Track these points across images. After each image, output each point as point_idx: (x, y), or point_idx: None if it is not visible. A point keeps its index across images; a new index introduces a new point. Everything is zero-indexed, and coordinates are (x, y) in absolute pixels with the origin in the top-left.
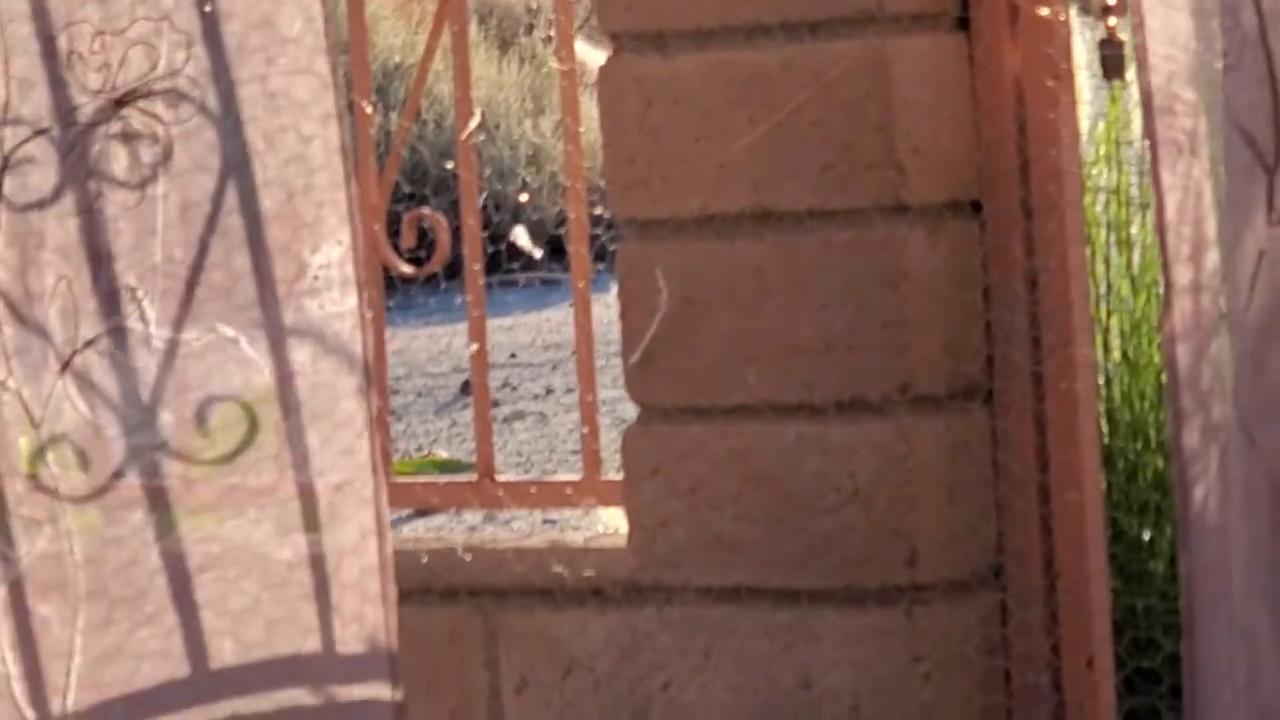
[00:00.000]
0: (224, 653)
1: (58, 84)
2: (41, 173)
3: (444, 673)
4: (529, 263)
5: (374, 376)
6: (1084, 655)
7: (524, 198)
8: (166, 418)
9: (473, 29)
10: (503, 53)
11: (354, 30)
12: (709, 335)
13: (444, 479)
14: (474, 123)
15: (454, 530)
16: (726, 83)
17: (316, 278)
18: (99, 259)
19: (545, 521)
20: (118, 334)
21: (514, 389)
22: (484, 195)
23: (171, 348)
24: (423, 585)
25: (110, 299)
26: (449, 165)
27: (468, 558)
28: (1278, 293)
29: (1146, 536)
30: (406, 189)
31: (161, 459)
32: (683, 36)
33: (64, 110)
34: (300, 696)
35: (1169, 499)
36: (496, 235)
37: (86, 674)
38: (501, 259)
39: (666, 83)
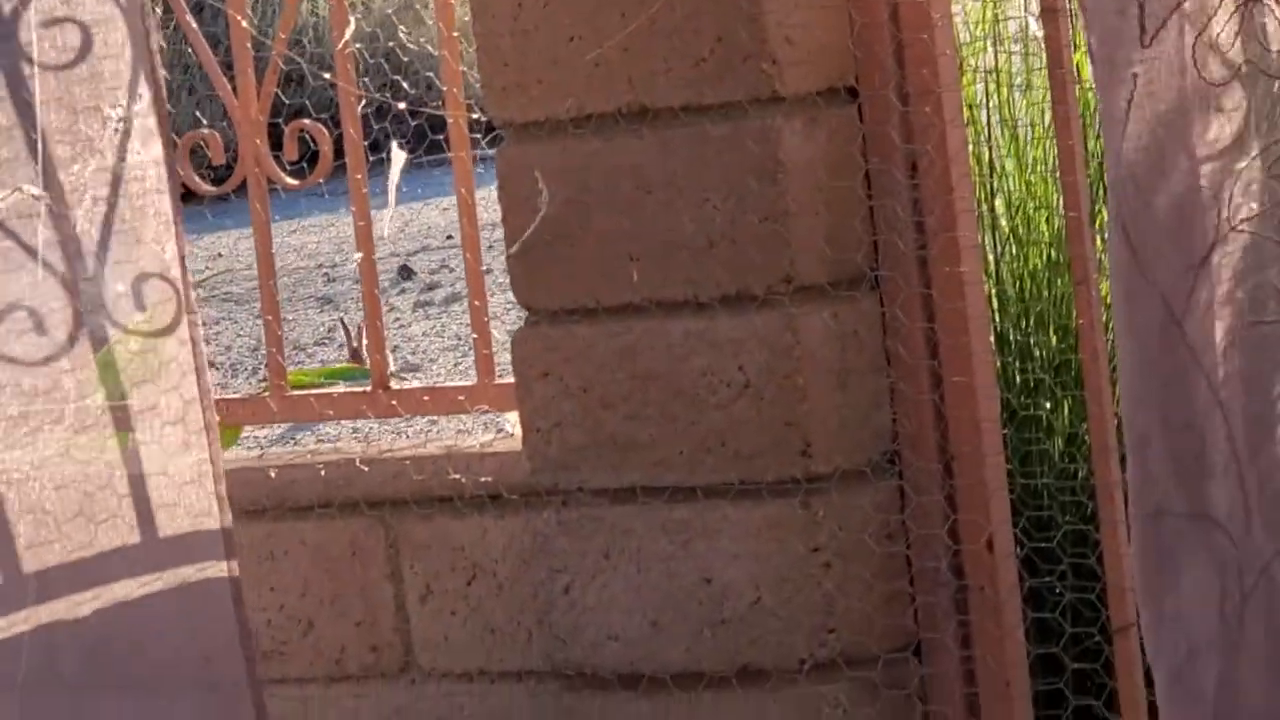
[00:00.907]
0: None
1: None
2: None
3: (348, 586)
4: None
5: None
6: (983, 537)
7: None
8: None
9: None
10: None
11: None
12: (591, 235)
13: (339, 390)
14: (349, 30)
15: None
16: None
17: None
18: None
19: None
20: None
21: (452, 270)
22: (363, 104)
23: None
24: (322, 499)
25: None
26: (327, 76)
27: (365, 469)
28: (1152, 120)
29: (1041, 415)
30: (287, 100)
31: None
32: None
33: None
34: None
35: (1060, 377)
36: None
37: None
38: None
39: None
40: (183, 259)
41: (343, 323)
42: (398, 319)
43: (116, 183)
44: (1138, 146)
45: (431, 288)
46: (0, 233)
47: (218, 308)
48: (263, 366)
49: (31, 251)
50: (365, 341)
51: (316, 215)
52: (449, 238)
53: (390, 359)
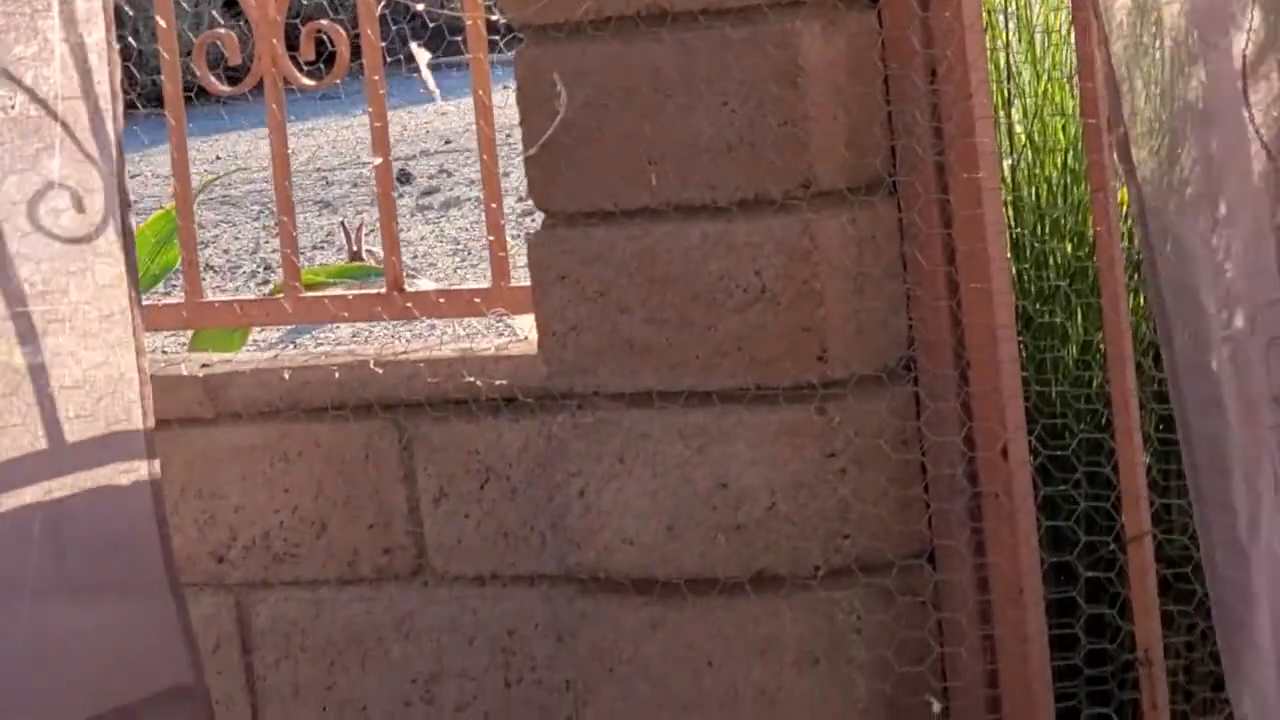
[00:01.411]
0: None
1: None
2: None
3: (361, 488)
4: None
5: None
6: (998, 444)
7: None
8: None
9: None
10: None
11: None
12: (610, 138)
13: (353, 293)
14: None
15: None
16: None
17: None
18: None
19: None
20: None
21: (450, 175)
22: (381, 5)
23: None
24: (336, 401)
25: None
26: None
27: (380, 371)
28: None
29: (1057, 323)
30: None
31: None
32: None
33: None
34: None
35: (1076, 284)
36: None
37: None
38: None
39: None
40: (121, 166)
41: (343, 225)
42: (398, 222)
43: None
44: None
45: (429, 192)
46: None
47: (215, 210)
48: (261, 269)
49: None
50: (365, 245)
51: (312, 120)
52: (447, 142)
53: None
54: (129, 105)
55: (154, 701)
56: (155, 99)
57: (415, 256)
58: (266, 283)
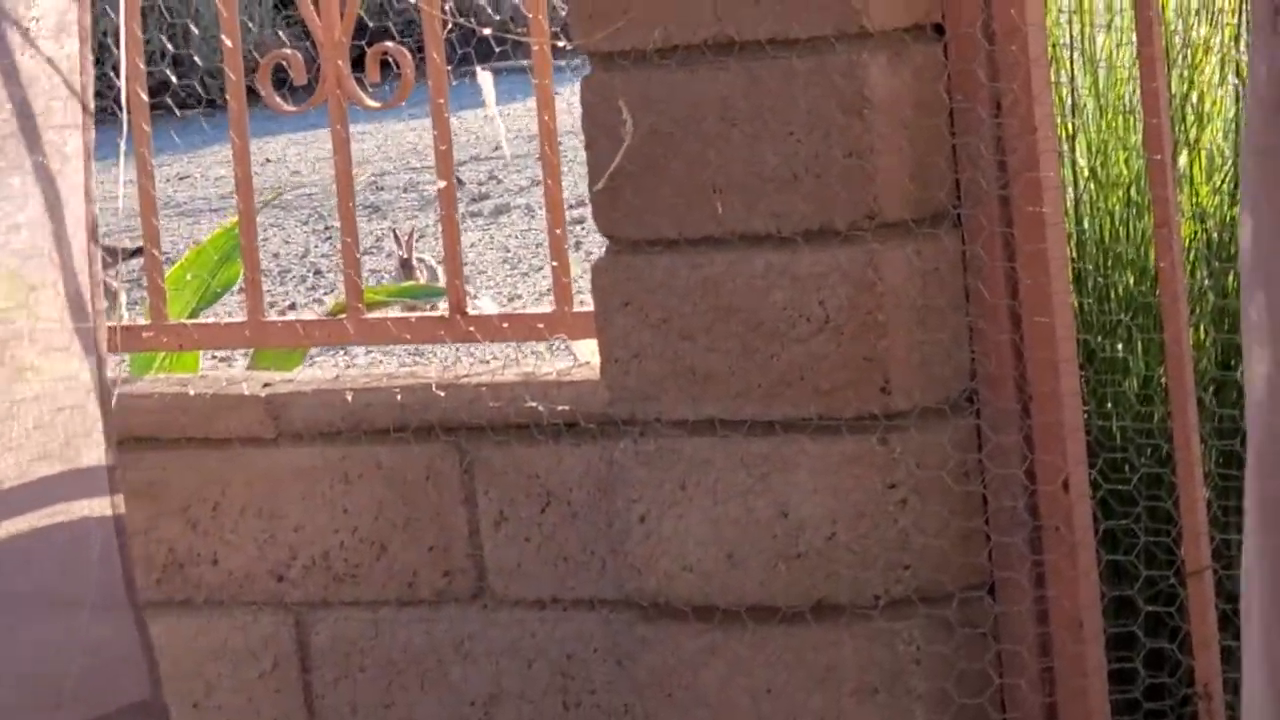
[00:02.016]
0: None
1: None
2: None
3: (422, 511)
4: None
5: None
6: (1059, 478)
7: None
8: None
9: None
10: None
11: None
12: (676, 166)
13: (415, 315)
14: None
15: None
16: None
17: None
18: None
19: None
20: None
21: (499, 181)
22: (447, 28)
23: None
24: (398, 423)
25: None
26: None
27: (442, 394)
28: None
29: (1119, 357)
30: (370, 23)
31: None
32: None
33: None
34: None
35: (1139, 318)
36: (462, 10)
37: None
38: (490, 46)
39: None
40: (88, 184)
41: (394, 233)
42: None
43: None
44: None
45: (480, 198)
46: None
47: (265, 214)
48: (311, 274)
49: None
50: (415, 253)
51: (363, 123)
52: (496, 148)
53: (439, 269)
54: (164, 107)
55: (114, 717)
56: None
57: (466, 264)
58: (316, 288)
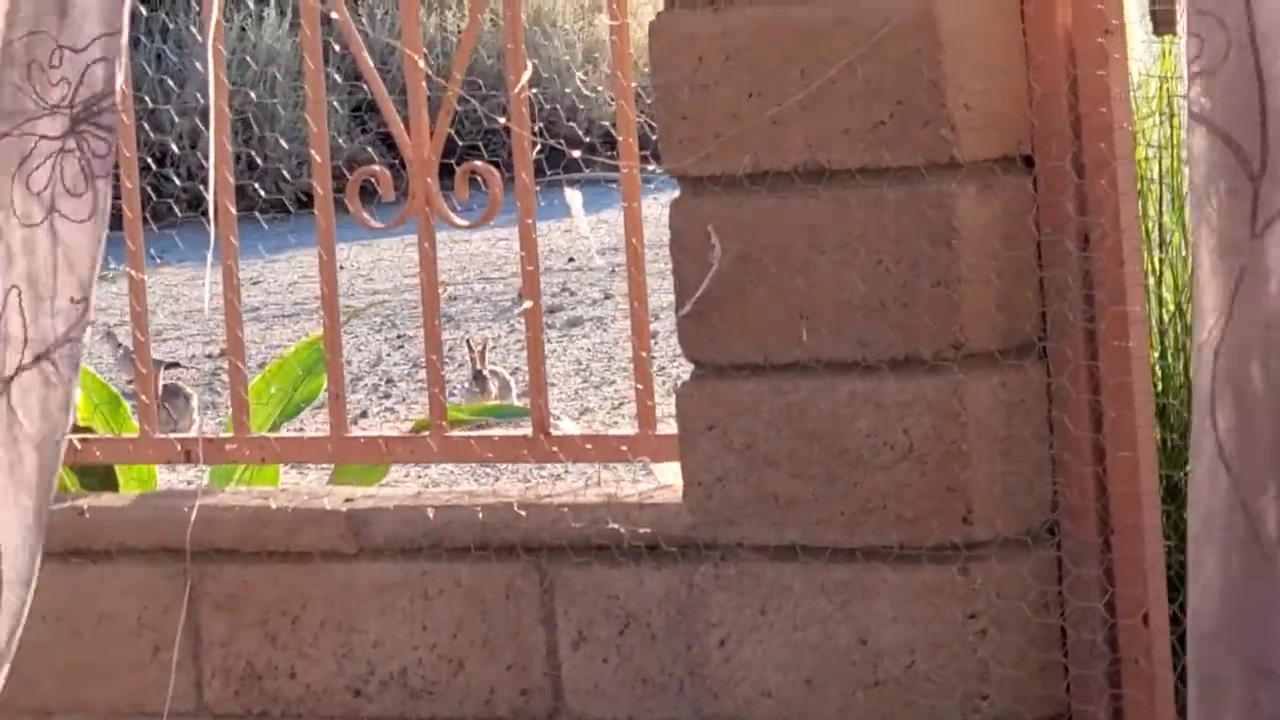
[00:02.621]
0: None
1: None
2: None
3: (501, 629)
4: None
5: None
6: (1139, 612)
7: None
8: None
9: None
10: None
11: None
12: (763, 292)
13: (498, 433)
14: (526, 76)
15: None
16: (778, 38)
17: None
18: None
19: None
20: None
21: (573, 294)
22: (536, 149)
23: None
24: (479, 541)
25: None
26: (501, 120)
27: (523, 514)
28: (1261, 313)
29: None
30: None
31: None
32: None
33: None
34: None
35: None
36: (550, 130)
37: None
38: (561, 157)
39: (718, 38)
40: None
41: (468, 343)
42: (519, 340)
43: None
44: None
45: (553, 310)
46: None
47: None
48: (383, 382)
49: None
50: (488, 365)
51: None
52: (570, 260)
53: (511, 381)
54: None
55: None
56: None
57: None
58: (388, 396)
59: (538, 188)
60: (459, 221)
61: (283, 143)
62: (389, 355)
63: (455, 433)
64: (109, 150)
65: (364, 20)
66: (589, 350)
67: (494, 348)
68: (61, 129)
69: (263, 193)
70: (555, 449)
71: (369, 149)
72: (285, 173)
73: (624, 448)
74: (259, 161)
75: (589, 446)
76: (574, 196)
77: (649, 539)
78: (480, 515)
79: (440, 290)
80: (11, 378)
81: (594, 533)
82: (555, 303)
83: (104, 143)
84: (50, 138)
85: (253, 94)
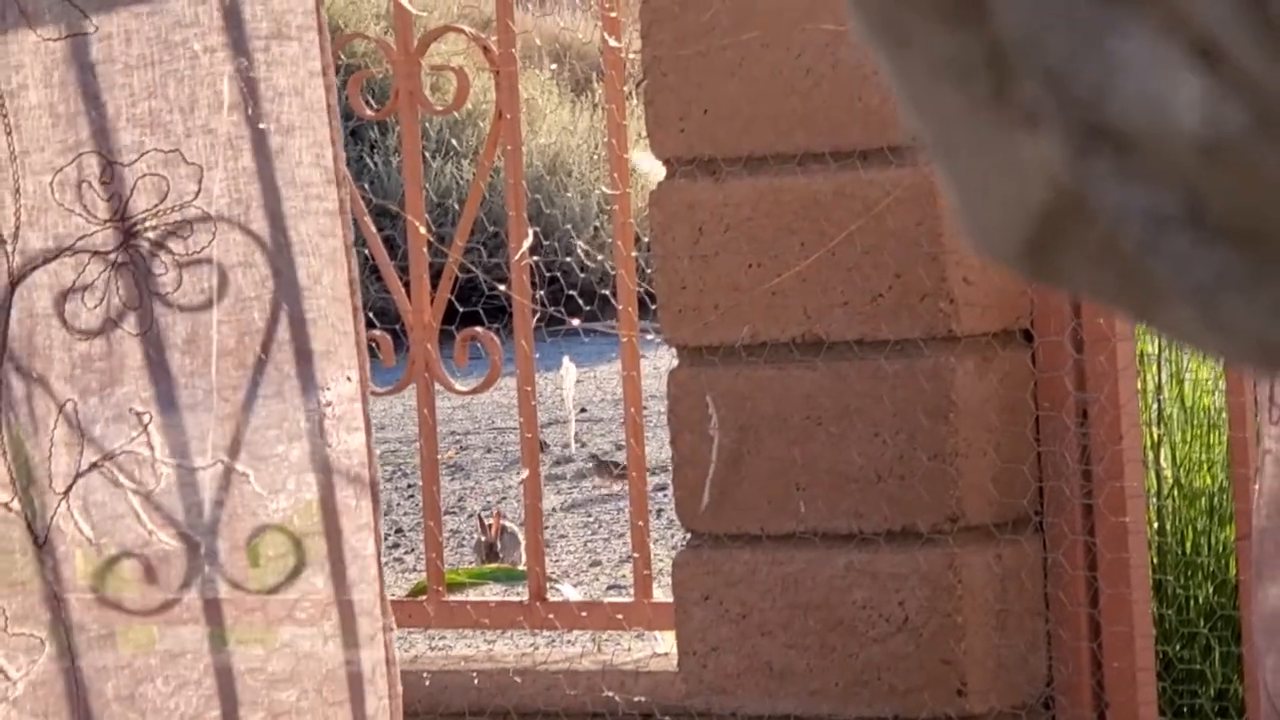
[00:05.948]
0: None
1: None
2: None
3: None
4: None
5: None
6: None
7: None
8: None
9: (545, 72)
10: (576, 95)
11: (407, 145)
12: (759, 463)
13: (495, 600)
14: (526, 243)
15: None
16: (778, 210)
17: (329, 405)
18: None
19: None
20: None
21: (582, 445)
22: (536, 316)
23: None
24: (475, 706)
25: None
26: (501, 287)
27: (519, 680)
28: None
29: (1196, 668)
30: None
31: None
32: (735, 162)
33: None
34: None
35: (1218, 631)
36: (567, 281)
37: None
38: (576, 306)
39: (718, 208)
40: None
41: (480, 519)
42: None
43: None
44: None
45: (562, 461)
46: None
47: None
48: (391, 531)
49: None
50: (503, 520)
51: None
52: (582, 411)
53: (519, 536)
54: None
55: None
56: None
57: (546, 528)
58: (397, 545)
59: (550, 340)
60: (459, 387)
61: None
62: (399, 505)
63: (452, 597)
64: None
65: (375, 165)
66: (597, 503)
67: (503, 499)
68: None
69: None
70: (551, 616)
71: (369, 313)
72: None
73: (620, 616)
74: None
75: (584, 614)
76: (569, 370)
77: (644, 707)
78: (476, 681)
79: (444, 456)
80: None
81: (589, 700)
82: (565, 453)
83: None
84: None
85: None
